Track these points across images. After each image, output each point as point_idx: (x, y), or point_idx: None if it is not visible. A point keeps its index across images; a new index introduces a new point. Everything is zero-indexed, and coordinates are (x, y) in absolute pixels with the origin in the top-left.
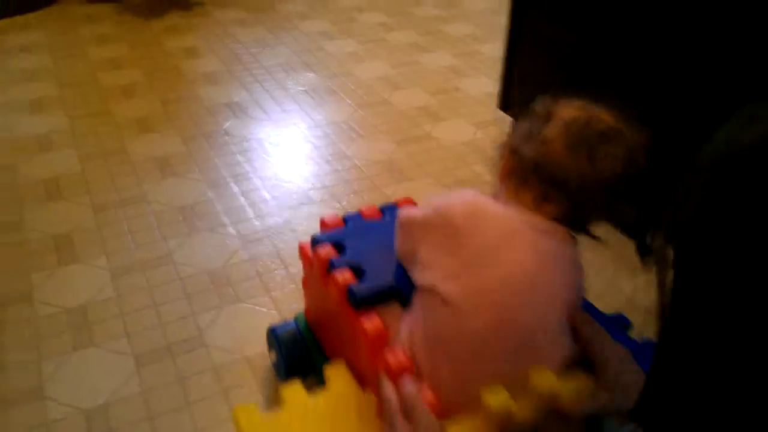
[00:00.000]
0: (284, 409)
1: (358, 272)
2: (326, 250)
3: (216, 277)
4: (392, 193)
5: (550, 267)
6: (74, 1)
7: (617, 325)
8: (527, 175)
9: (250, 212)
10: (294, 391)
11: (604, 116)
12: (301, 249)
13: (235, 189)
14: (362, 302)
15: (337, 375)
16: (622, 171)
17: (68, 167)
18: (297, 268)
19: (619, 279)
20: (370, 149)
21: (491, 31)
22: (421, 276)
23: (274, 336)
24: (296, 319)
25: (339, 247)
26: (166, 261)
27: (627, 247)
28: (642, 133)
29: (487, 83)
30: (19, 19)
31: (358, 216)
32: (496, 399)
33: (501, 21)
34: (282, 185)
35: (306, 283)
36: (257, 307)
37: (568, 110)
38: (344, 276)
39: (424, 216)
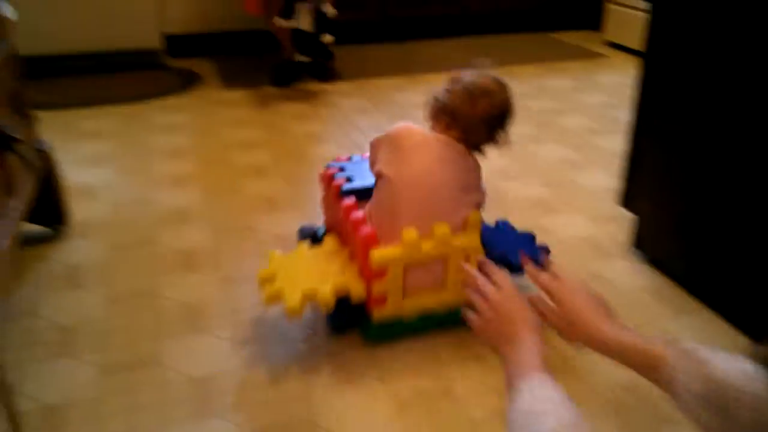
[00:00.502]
0: (295, 253)
1: (349, 180)
2: (333, 170)
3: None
4: None
5: (448, 159)
6: (214, 86)
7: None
8: (440, 113)
9: None
10: (303, 245)
11: (486, 80)
12: (320, 175)
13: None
14: (345, 193)
15: (330, 239)
16: (492, 112)
17: (201, 240)
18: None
19: None
20: None
21: (608, 124)
22: (376, 168)
23: (302, 230)
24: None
25: (342, 170)
26: (281, 338)
27: None
28: (508, 92)
29: (605, 177)
30: (166, 101)
31: (360, 156)
32: (409, 235)
33: (618, 115)
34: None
35: (323, 199)
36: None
37: (469, 77)
38: (339, 181)
39: (381, 138)
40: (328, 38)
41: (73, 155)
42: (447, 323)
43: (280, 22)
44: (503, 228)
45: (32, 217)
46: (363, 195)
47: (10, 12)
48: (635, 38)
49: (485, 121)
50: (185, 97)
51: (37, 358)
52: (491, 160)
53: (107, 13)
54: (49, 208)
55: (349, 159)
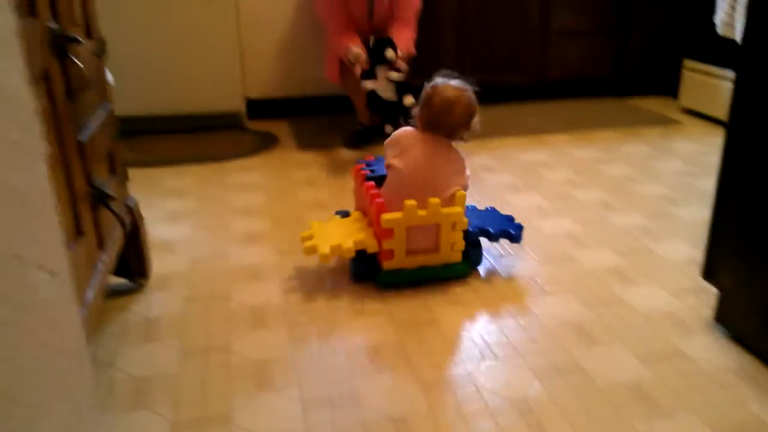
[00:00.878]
0: (329, 221)
1: (372, 171)
2: (361, 165)
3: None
4: (582, 356)
5: (438, 152)
6: (290, 148)
7: (507, 219)
8: (426, 122)
9: (405, 359)
10: (335, 217)
11: (455, 92)
12: (352, 169)
13: (410, 332)
14: (368, 179)
15: (355, 213)
16: (464, 115)
17: (272, 297)
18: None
19: None
20: (557, 308)
21: (686, 193)
22: (387, 161)
23: (337, 213)
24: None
25: (367, 165)
26: (350, 401)
27: None
28: (471, 93)
29: (684, 248)
30: (244, 161)
31: (381, 156)
32: (409, 204)
33: (696, 183)
34: (463, 335)
35: (354, 190)
36: None
37: (444, 89)
38: (365, 172)
39: (389, 141)
40: (409, 100)
41: (156, 211)
42: (438, 277)
43: (366, 85)
44: (489, 210)
45: (116, 270)
46: (379, 181)
47: (111, 78)
48: (713, 105)
49: (461, 123)
50: (262, 157)
51: (111, 409)
52: (563, 225)
53: (197, 78)
54: (132, 262)
55: (375, 158)
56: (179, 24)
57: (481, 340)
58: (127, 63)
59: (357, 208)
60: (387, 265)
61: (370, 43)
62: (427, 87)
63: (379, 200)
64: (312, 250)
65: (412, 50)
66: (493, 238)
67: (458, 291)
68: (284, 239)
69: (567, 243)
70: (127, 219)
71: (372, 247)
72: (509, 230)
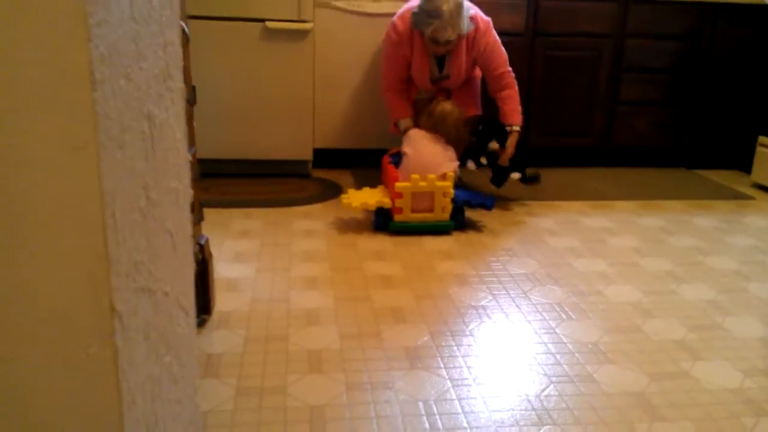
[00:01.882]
0: (362, 189)
1: (394, 162)
2: (388, 158)
3: None
4: (645, 430)
5: (438, 146)
6: None
7: (487, 196)
8: (429, 126)
9: (462, 420)
10: (366, 188)
11: (447, 106)
12: (382, 159)
13: (468, 391)
14: (390, 162)
15: (381, 188)
16: (454, 126)
17: (329, 343)
18: None
19: None
20: (621, 378)
21: (759, 270)
22: (402, 150)
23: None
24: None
25: (392, 156)
26: None
27: None
28: (463, 113)
29: (757, 326)
30: (308, 207)
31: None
32: (414, 176)
33: None
34: (514, 398)
35: (382, 171)
36: None
37: (442, 105)
38: (388, 159)
39: (405, 136)
40: (494, 145)
41: (222, 250)
42: (433, 229)
43: (469, 165)
44: (476, 192)
45: None
46: (398, 164)
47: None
48: None
49: (452, 130)
50: (326, 205)
51: None
52: (627, 293)
53: (272, 128)
54: (198, 298)
55: (397, 152)
56: (260, 77)
57: (539, 404)
58: (209, 109)
59: (382, 183)
60: (397, 218)
61: (479, 127)
62: (433, 102)
63: (393, 173)
64: (347, 206)
65: (520, 123)
66: (472, 206)
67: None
68: (343, 286)
69: (632, 312)
70: (198, 256)
71: (388, 204)
72: (484, 202)
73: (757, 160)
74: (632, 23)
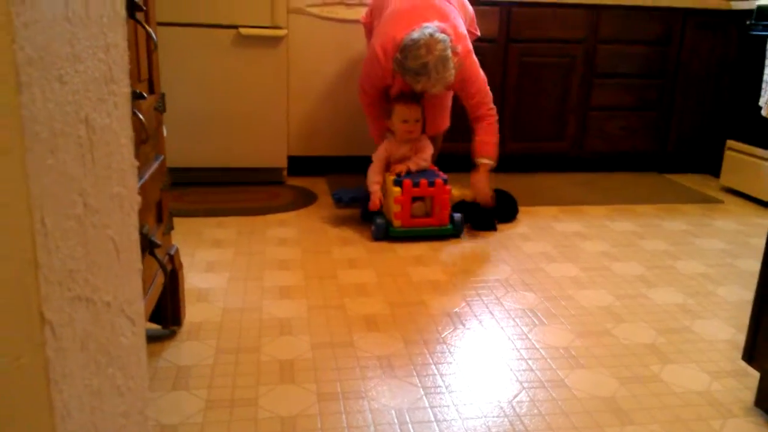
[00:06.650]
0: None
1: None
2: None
3: None
4: None
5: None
6: (325, 205)
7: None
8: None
9: (435, 429)
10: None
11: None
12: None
13: (441, 399)
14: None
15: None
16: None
17: (301, 353)
18: None
19: None
20: (592, 383)
21: (727, 273)
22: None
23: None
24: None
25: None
26: None
27: None
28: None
29: (724, 329)
30: (282, 215)
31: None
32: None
33: (736, 263)
34: (486, 406)
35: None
36: None
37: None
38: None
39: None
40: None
41: (193, 260)
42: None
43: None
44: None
45: (152, 316)
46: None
47: (165, 131)
48: (755, 186)
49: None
50: (300, 212)
51: None
52: (599, 298)
53: (245, 135)
54: (167, 309)
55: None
56: (233, 84)
57: (511, 410)
58: (180, 117)
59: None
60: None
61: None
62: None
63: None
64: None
65: (490, 156)
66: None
67: (492, 357)
68: (316, 295)
69: (603, 316)
70: (168, 266)
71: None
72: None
73: (725, 164)
74: (604, 29)
